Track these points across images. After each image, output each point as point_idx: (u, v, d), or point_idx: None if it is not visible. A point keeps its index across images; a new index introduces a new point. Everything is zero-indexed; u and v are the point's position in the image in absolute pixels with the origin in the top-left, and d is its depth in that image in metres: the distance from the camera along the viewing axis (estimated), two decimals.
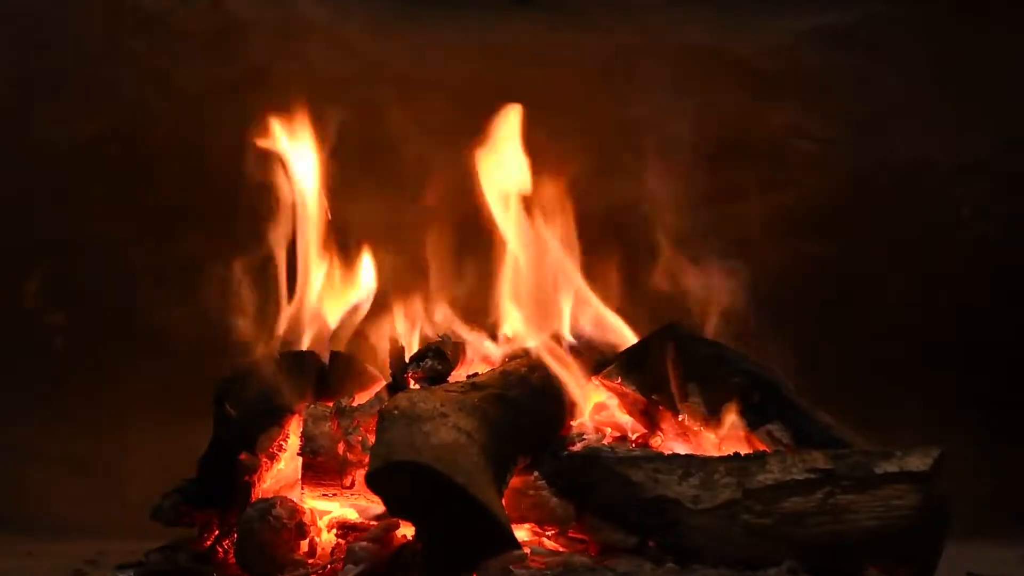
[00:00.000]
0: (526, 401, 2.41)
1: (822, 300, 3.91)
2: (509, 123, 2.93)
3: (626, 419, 2.65)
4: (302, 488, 2.44)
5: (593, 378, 2.68)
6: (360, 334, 2.87)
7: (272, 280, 2.81)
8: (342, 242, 2.96)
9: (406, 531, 2.27)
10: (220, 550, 2.53)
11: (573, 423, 2.60)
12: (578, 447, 2.46)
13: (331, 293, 2.89)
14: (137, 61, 4.00)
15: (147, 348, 3.86)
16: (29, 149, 3.97)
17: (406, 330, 2.81)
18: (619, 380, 2.64)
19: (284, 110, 2.98)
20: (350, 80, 3.95)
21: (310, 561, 2.37)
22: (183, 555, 2.55)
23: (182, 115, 3.97)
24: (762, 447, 2.47)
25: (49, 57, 4.00)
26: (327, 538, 2.43)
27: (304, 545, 2.41)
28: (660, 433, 2.59)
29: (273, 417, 2.59)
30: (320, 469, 2.43)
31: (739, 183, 3.87)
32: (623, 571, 2.20)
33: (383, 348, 2.70)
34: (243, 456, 2.53)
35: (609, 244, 3.11)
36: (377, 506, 2.28)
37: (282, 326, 2.78)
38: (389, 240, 3.02)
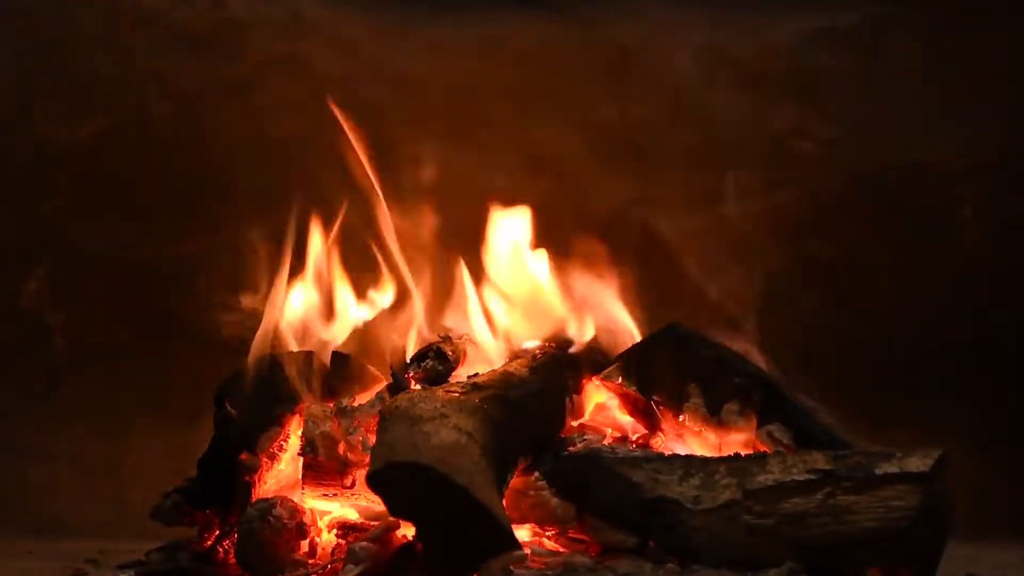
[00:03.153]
0: (527, 402, 2.40)
1: (823, 301, 3.91)
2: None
3: (627, 419, 2.65)
4: (302, 488, 2.45)
5: (594, 378, 2.69)
6: (362, 334, 2.87)
7: (273, 279, 2.80)
8: (342, 242, 2.97)
9: (406, 531, 2.27)
10: (220, 550, 2.53)
11: (574, 423, 2.60)
12: (579, 448, 2.46)
13: (334, 294, 2.90)
14: (137, 60, 4.00)
15: (147, 347, 3.86)
16: (29, 149, 3.97)
17: (406, 330, 2.82)
18: (620, 380, 2.64)
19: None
20: (350, 80, 3.95)
21: (310, 561, 2.37)
22: (183, 555, 2.55)
23: (182, 115, 3.97)
24: (763, 448, 2.47)
25: (48, 57, 4.00)
26: (327, 538, 2.43)
27: (304, 545, 2.41)
28: (661, 434, 2.59)
29: (273, 417, 2.59)
30: (320, 469, 2.43)
31: (740, 184, 3.87)
32: (624, 572, 2.20)
33: (384, 348, 2.70)
34: (243, 456, 2.53)
35: (609, 244, 3.10)
36: (378, 506, 2.27)
37: (283, 326, 2.78)
38: (389, 241, 3.01)
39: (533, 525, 2.38)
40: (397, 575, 2.21)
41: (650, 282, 3.07)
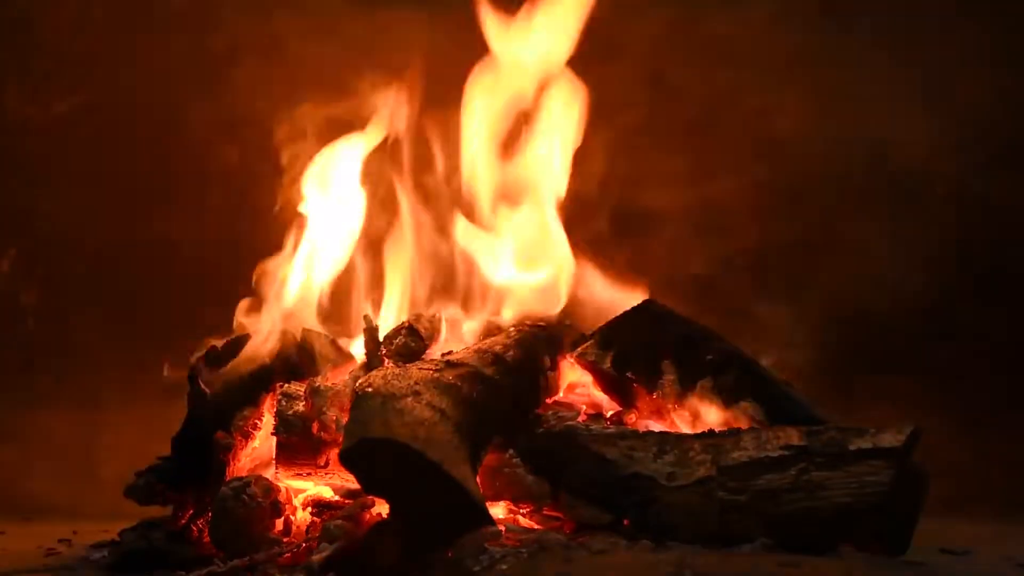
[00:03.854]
0: (501, 379, 2.40)
1: (797, 279, 3.92)
2: None
3: (601, 397, 2.65)
4: (276, 467, 2.44)
5: (569, 356, 2.68)
6: (335, 313, 2.87)
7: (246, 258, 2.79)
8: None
9: (381, 509, 2.26)
10: (195, 529, 2.53)
11: (549, 401, 2.60)
12: (553, 425, 2.45)
13: (310, 274, 2.88)
14: (111, 37, 3.98)
15: (119, 327, 3.85)
16: (0, 127, 3.95)
17: (380, 309, 2.82)
18: (594, 358, 2.63)
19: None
20: (328, 61, 3.93)
21: (285, 539, 2.37)
22: (157, 534, 2.54)
23: (156, 92, 3.95)
24: (737, 424, 2.47)
25: (21, 33, 3.97)
26: (302, 516, 2.43)
27: (279, 523, 2.40)
28: (635, 411, 2.59)
29: (248, 396, 2.58)
30: (294, 448, 2.43)
31: (715, 161, 3.87)
32: (597, 548, 2.20)
33: (357, 327, 2.70)
34: (218, 435, 2.52)
35: (588, 222, 3.10)
36: (352, 484, 2.27)
37: (258, 305, 2.77)
38: (371, 222, 3.00)
39: (508, 502, 2.39)
40: (372, 552, 2.20)
41: (626, 259, 3.07)
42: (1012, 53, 4.06)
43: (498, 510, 2.35)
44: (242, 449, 2.56)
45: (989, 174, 3.99)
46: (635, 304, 2.65)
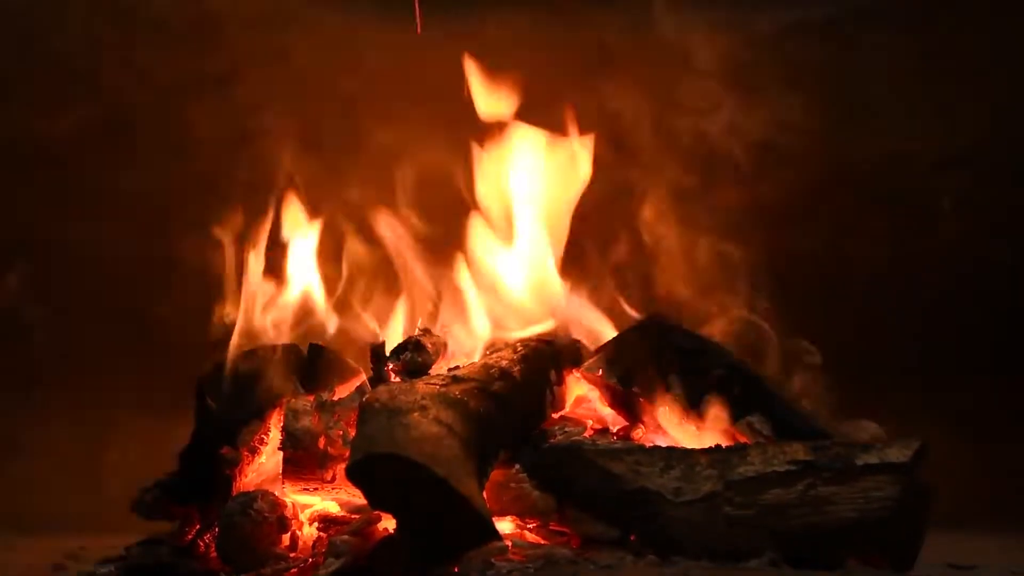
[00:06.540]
0: (507, 394, 2.40)
1: (803, 291, 3.92)
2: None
3: (607, 411, 2.65)
4: (283, 482, 2.44)
5: (574, 371, 2.68)
6: (341, 328, 2.87)
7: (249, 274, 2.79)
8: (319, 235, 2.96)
9: (387, 524, 2.26)
10: (201, 544, 2.53)
11: (555, 415, 2.60)
12: (559, 440, 2.46)
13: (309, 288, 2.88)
14: (115, 53, 3.99)
15: (128, 342, 3.85)
16: (5, 143, 3.96)
17: (386, 324, 2.82)
18: (600, 372, 2.64)
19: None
20: (329, 73, 3.94)
21: (292, 555, 2.36)
22: (164, 549, 2.54)
23: (161, 108, 3.96)
24: (743, 439, 2.47)
25: (26, 49, 3.98)
26: (308, 532, 2.43)
27: (285, 539, 2.40)
28: (641, 425, 2.59)
29: (254, 411, 2.58)
30: (301, 463, 2.43)
31: (721, 175, 3.87)
32: (604, 563, 2.20)
33: (363, 342, 2.70)
34: (224, 450, 2.52)
35: (591, 236, 3.10)
36: (359, 499, 2.27)
37: (261, 320, 2.77)
38: (368, 234, 3.01)
39: (514, 517, 2.39)
40: (378, 568, 2.20)
41: (632, 274, 3.07)
42: (1016, 64, 4.06)
43: (504, 525, 2.35)
44: (249, 464, 2.56)
45: (994, 186, 4.00)
46: (641, 318, 2.67)
